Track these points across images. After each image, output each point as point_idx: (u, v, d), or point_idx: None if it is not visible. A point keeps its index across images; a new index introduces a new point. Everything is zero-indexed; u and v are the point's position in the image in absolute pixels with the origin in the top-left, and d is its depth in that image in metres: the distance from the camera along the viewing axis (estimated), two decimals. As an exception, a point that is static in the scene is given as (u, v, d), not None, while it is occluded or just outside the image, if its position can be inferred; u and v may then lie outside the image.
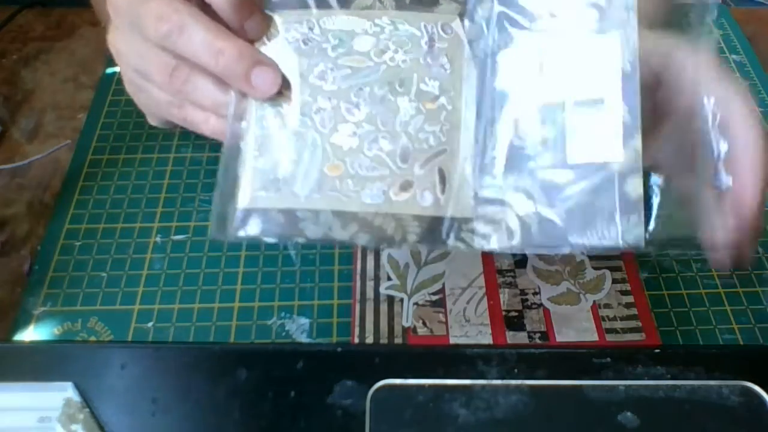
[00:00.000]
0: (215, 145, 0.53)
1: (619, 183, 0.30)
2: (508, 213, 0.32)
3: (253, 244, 0.47)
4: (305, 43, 0.33)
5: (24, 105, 0.57)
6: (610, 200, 0.30)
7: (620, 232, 0.30)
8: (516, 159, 0.32)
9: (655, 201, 0.31)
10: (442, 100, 0.33)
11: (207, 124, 0.35)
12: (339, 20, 0.33)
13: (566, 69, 0.32)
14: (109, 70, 0.59)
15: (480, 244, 0.32)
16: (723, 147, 0.32)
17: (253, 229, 0.31)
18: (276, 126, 0.32)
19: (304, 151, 0.32)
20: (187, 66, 0.33)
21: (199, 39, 0.31)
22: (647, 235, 0.30)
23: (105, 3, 0.34)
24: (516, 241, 0.32)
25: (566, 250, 0.31)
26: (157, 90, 0.35)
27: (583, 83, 0.32)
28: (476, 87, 0.33)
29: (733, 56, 0.62)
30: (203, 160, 0.52)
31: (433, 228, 0.32)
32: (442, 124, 0.33)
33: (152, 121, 0.40)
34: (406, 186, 0.32)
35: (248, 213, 0.31)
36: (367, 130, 0.32)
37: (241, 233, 0.31)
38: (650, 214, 0.31)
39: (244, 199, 0.31)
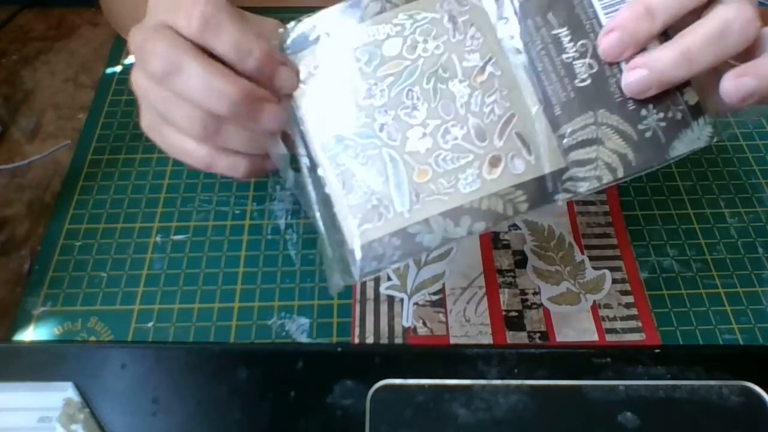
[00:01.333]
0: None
1: (681, 95, 0.32)
2: (600, 149, 0.32)
3: (254, 242, 0.47)
4: (338, 72, 0.33)
5: (24, 105, 0.57)
6: (681, 111, 0.32)
7: (697, 134, 0.32)
8: (586, 98, 0.32)
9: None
10: (489, 68, 0.33)
11: (238, 170, 0.34)
12: (359, 36, 0.33)
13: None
14: (109, 70, 0.59)
15: (585, 187, 0.32)
16: None
17: (374, 263, 0.31)
18: (350, 158, 0.32)
19: (386, 169, 0.32)
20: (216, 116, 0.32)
21: (198, 80, 0.30)
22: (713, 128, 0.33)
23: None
24: (619, 171, 0.32)
25: (658, 165, 0.33)
26: (182, 139, 0.34)
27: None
28: (521, 40, 0.33)
29: (733, 56, 0.62)
30: (203, 160, 0.52)
31: (536, 190, 0.32)
32: (500, 90, 0.33)
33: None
34: (494, 162, 0.32)
35: (364, 250, 0.31)
36: (435, 125, 0.32)
37: (366, 270, 0.31)
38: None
39: (353, 239, 0.31)
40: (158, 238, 0.47)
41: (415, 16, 0.33)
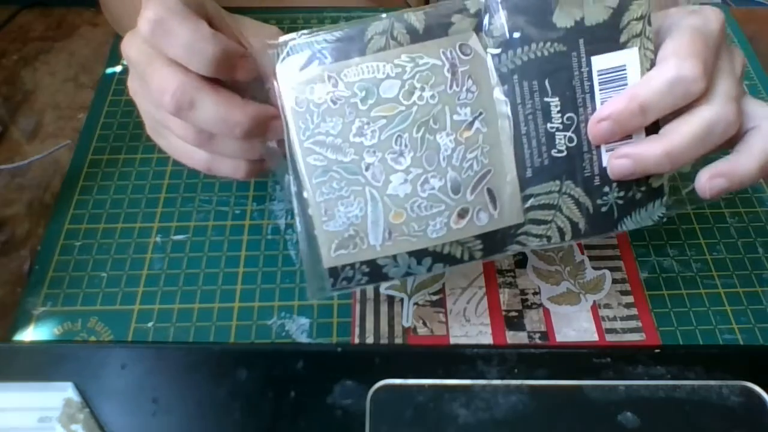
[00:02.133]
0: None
1: (647, 177, 0.34)
2: (556, 214, 0.35)
3: (254, 242, 0.47)
4: (334, 103, 0.33)
5: (24, 105, 0.57)
6: (642, 192, 0.34)
7: (649, 213, 0.35)
8: (558, 167, 0.34)
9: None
10: (477, 124, 0.33)
11: (238, 172, 0.36)
12: (359, 69, 0.33)
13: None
14: (109, 70, 0.59)
15: (534, 244, 0.35)
16: None
17: (344, 283, 0.35)
18: (334, 189, 0.34)
19: (366, 207, 0.34)
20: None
21: (212, 113, 0.32)
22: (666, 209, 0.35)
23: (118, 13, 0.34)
24: (567, 236, 0.35)
25: (604, 237, 0.36)
26: (182, 143, 0.35)
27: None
28: (512, 100, 0.33)
29: (733, 56, 0.62)
30: (203, 160, 0.52)
31: (492, 241, 0.35)
32: (482, 147, 0.34)
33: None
34: (462, 213, 0.34)
35: (335, 271, 0.35)
36: (416, 173, 0.34)
37: (338, 287, 0.35)
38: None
39: (328, 261, 0.34)
40: (158, 238, 0.47)
41: (417, 60, 0.33)
